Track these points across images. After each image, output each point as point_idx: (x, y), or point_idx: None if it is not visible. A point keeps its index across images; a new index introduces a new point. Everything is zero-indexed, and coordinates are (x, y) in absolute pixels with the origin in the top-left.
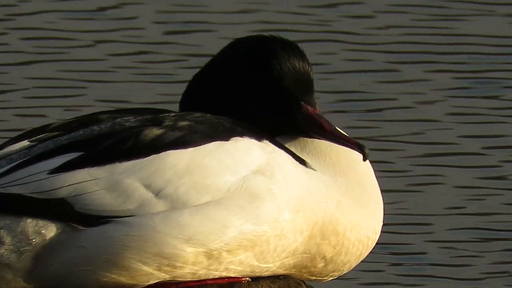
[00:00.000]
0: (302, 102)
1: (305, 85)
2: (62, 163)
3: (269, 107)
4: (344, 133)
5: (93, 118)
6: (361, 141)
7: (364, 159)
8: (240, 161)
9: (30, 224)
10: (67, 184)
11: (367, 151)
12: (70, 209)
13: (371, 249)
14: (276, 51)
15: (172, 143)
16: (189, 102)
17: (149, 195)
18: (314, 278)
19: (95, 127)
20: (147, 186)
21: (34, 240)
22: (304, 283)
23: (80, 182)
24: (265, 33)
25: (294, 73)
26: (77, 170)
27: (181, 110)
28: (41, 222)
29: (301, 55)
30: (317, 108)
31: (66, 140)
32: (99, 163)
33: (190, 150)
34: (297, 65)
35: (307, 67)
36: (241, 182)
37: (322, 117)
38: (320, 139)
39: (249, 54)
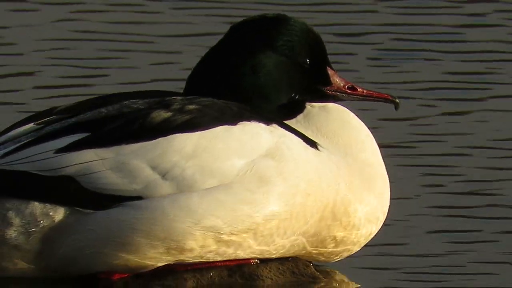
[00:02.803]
0: (327, 67)
1: (323, 49)
2: (69, 143)
3: (293, 82)
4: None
5: (100, 101)
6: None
7: (396, 109)
8: (248, 145)
9: (38, 206)
10: (73, 163)
11: (397, 100)
12: (77, 188)
13: (379, 229)
14: (291, 29)
15: (179, 126)
16: (196, 85)
17: (155, 176)
18: (324, 259)
19: (103, 110)
20: (154, 168)
21: (42, 222)
22: (312, 264)
23: (87, 162)
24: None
25: (312, 41)
26: (84, 150)
27: (186, 93)
28: (49, 204)
29: (305, 24)
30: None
31: (74, 122)
32: (106, 143)
33: (197, 133)
34: (311, 34)
35: (316, 32)
36: (250, 166)
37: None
38: (349, 99)
39: (263, 34)
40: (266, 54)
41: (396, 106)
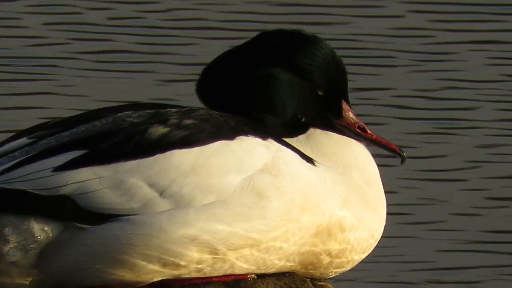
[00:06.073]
0: (343, 101)
1: (343, 81)
2: (66, 161)
3: (303, 104)
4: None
5: (93, 114)
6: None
7: (402, 163)
8: (245, 160)
9: (35, 221)
10: (71, 182)
11: (404, 154)
12: (74, 207)
13: (373, 248)
14: (315, 53)
15: (177, 142)
16: (209, 79)
17: (153, 194)
18: (319, 274)
19: (97, 123)
20: (151, 185)
21: (39, 237)
22: (309, 279)
23: (84, 181)
24: (293, 26)
25: (333, 71)
26: (81, 168)
27: (199, 85)
28: (46, 220)
29: (333, 52)
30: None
31: (68, 136)
32: (103, 161)
33: (195, 149)
34: (333, 64)
35: (342, 63)
36: (247, 181)
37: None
38: (356, 139)
39: (288, 49)
40: (283, 69)
41: (402, 160)
